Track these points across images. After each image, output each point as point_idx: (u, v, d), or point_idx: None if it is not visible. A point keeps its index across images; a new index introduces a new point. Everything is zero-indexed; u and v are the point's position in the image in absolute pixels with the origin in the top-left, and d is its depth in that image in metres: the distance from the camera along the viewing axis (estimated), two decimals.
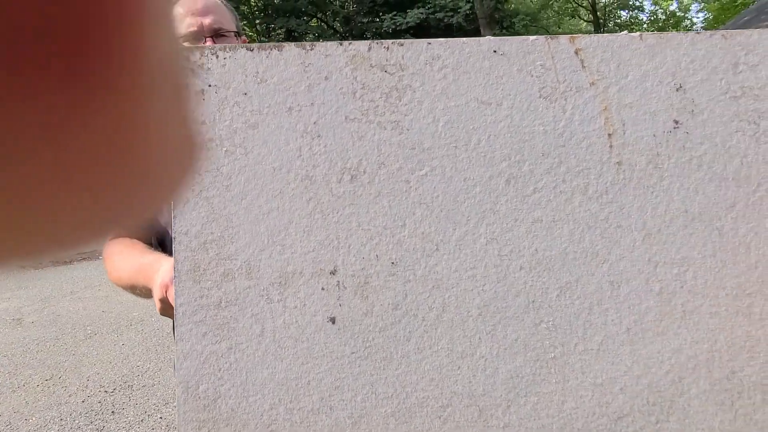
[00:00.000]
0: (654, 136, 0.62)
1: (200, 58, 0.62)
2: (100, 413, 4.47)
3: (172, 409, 4.59)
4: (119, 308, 7.20)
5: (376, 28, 22.75)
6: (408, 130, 0.62)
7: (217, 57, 0.62)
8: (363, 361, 0.62)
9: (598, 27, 28.01)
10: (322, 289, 0.62)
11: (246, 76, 0.62)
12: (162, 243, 1.68)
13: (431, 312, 0.62)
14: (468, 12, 20.01)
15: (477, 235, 0.62)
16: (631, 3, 30.60)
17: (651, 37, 0.62)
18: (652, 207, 0.62)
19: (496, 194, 0.62)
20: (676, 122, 0.62)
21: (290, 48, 0.63)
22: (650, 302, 0.62)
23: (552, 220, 0.62)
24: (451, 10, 20.08)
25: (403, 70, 0.62)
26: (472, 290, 0.62)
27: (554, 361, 0.62)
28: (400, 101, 0.62)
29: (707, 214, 0.62)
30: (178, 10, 1.48)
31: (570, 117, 0.62)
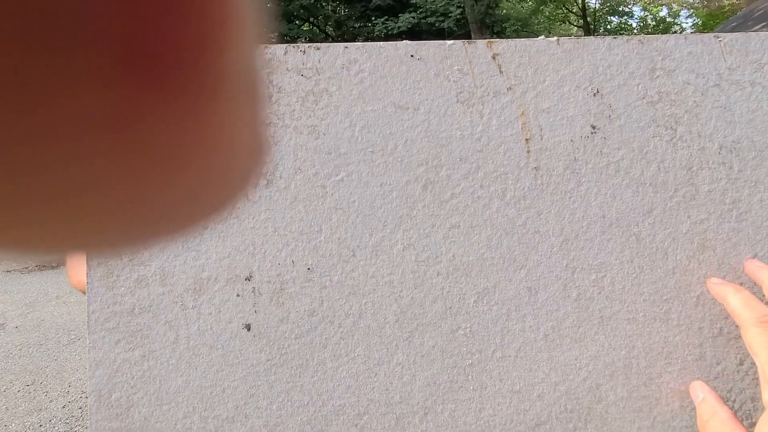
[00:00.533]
0: (571, 141, 0.62)
1: None
2: (81, 419, 4.43)
3: None
4: None
5: (368, 33, 22.78)
6: (324, 134, 0.62)
7: None
8: (279, 368, 0.62)
9: (589, 32, 28.17)
10: (237, 295, 0.62)
11: None
12: None
13: (348, 318, 0.62)
14: (459, 17, 20.10)
15: (394, 241, 0.62)
16: (620, 9, 30.82)
17: (568, 42, 0.62)
18: (570, 212, 0.62)
19: (413, 199, 0.62)
20: (594, 127, 0.62)
21: None
22: (568, 308, 0.62)
23: (470, 226, 0.62)
24: (443, 14, 20.15)
25: (319, 74, 0.62)
26: (389, 296, 0.62)
27: (472, 368, 0.62)
28: (317, 105, 0.62)
29: (625, 219, 0.61)
30: None
31: (487, 122, 0.62)
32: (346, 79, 0.62)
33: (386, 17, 21.25)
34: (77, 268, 1.57)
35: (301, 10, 22.53)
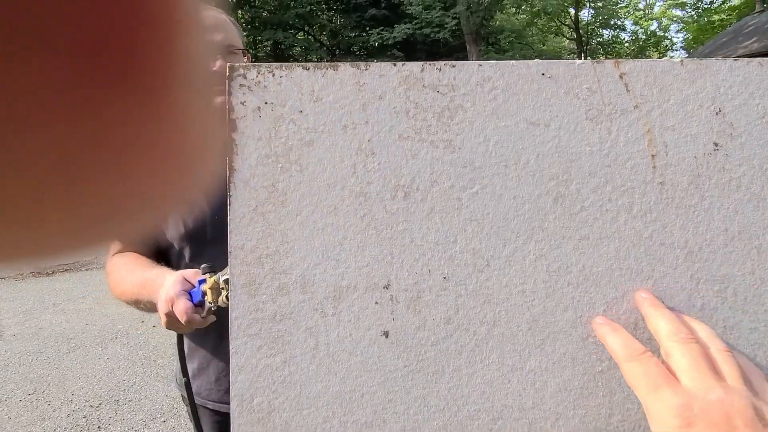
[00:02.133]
0: (695, 157, 0.65)
1: (257, 76, 0.64)
2: (86, 428, 4.38)
3: (160, 425, 4.51)
4: (103, 321, 7.07)
5: (363, 42, 22.93)
6: (460, 149, 0.64)
7: (273, 75, 0.64)
8: (416, 374, 0.64)
9: (581, 44, 28.59)
10: (376, 303, 0.64)
11: (302, 95, 0.64)
12: (166, 258, 1.67)
13: (482, 326, 0.64)
14: (454, 28, 20.31)
15: (526, 252, 0.64)
16: (612, 23, 31.30)
17: (691, 64, 0.65)
18: (694, 226, 0.64)
19: (545, 212, 0.64)
20: (716, 144, 0.65)
21: (345, 68, 0.64)
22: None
23: (598, 238, 0.64)
24: (438, 26, 20.36)
25: (454, 91, 0.64)
26: (521, 305, 0.64)
27: (601, 374, 0.64)
28: (452, 121, 0.64)
29: (746, 233, 0.64)
30: None
31: (615, 138, 0.65)
32: (480, 95, 0.64)
33: (381, 27, 21.42)
34: (118, 280, 1.57)
35: (297, 19, 22.64)
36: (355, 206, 0.64)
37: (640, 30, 33.52)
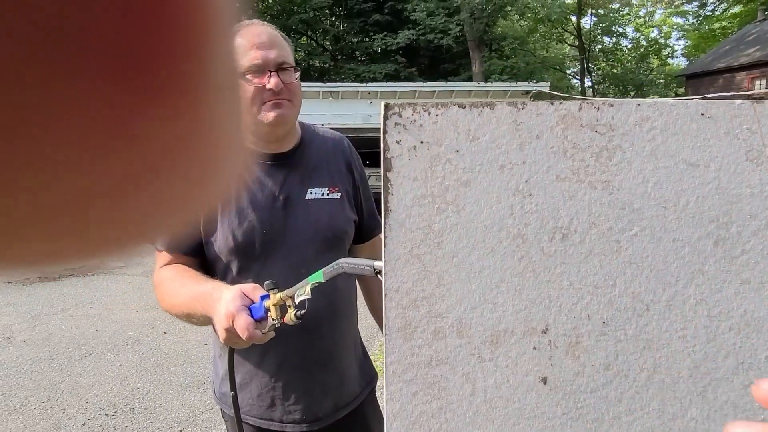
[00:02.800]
0: None
1: (412, 114, 0.62)
2: None
3: None
4: (113, 327, 7.04)
5: (366, 48, 22.97)
6: (618, 190, 0.63)
7: (429, 113, 0.62)
8: (574, 422, 0.62)
9: (583, 51, 28.69)
10: (534, 348, 0.62)
11: (458, 134, 0.62)
12: (212, 272, 1.65)
13: (642, 373, 0.62)
14: (458, 34, 20.36)
15: (686, 296, 0.63)
16: (614, 29, 31.42)
17: None
18: None
19: (705, 255, 0.63)
20: None
21: (502, 106, 0.63)
22: None
23: (760, 282, 0.63)
24: (441, 31, 20.40)
25: (612, 131, 0.63)
26: (682, 351, 0.63)
27: (765, 422, 0.63)
28: (610, 161, 0.63)
29: None
30: (240, 41, 1.47)
31: None
32: (638, 135, 0.63)
33: (385, 33, 21.46)
34: (169, 292, 1.55)
35: (300, 24, 22.68)
36: (513, 248, 0.62)
37: (642, 37, 33.68)
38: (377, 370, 1.87)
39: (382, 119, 0.62)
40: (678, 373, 0.62)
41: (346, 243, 1.66)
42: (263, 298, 1.21)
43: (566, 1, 28.59)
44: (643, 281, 0.63)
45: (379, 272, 1.05)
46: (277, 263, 1.52)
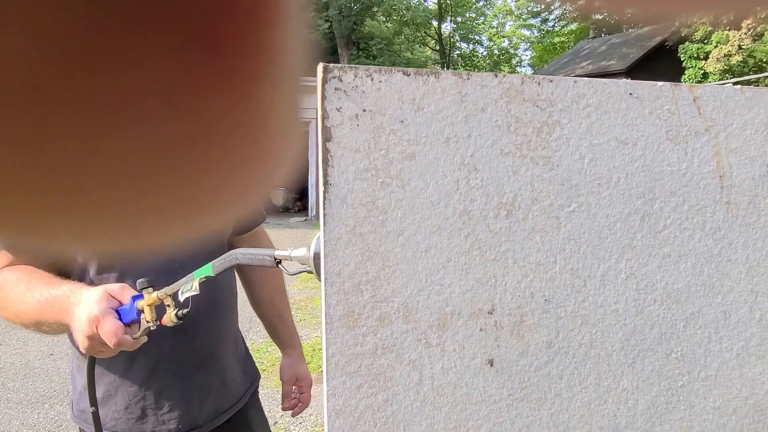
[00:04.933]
0: (753, 179, 0.69)
1: (354, 80, 0.56)
2: None
3: None
4: None
5: None
6: (557, 166, 0.62)
7: (372, 79, 0.57)
8: (519, 403, 0.60)
9: (444, 55, 30.15)
10: (480, 330, 0.59)
11: (402, 103, 0.58)
12: (65, 274, 1.45)
13: (580, 348, 0.63)
14: (326, 31, 20.30)
15: (618, 270, 0.64)
16: (471, 36, 33.42)
17: (749, 91, 0.70)
18: (753, 242, 0.69)
19: (633, 230, 0.65)
20: None
21: (447, 76, 0.59)
22: (753, 329, 0.69)
23: (678, 255, 0.66)
24: (310, 27, 20.10)
25: (552, 106, 0.62)
26: (614, 324, 0.64)
27: (682, 388, 0.66)
28: (550, 137, 0.62)
29: None
30: None
31: (690, 159, 0.67)
32: (575, 112, 0.63)
33: None
34: (12, 298, 1.33)
35: None
36: (459, 225, 0.59)
37: (494, 46, 36.29)
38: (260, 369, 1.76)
39: (320, 83, 0.55)
40: (611, 346, 0.64)
41: (224, 234, 1.54)
42: (135, 298, 1.07)
43: (429, 6, 29.82)
44: (581, 257, 0.63)
45: (280, 261, 0.97)
46: (144, 259, 1.36)
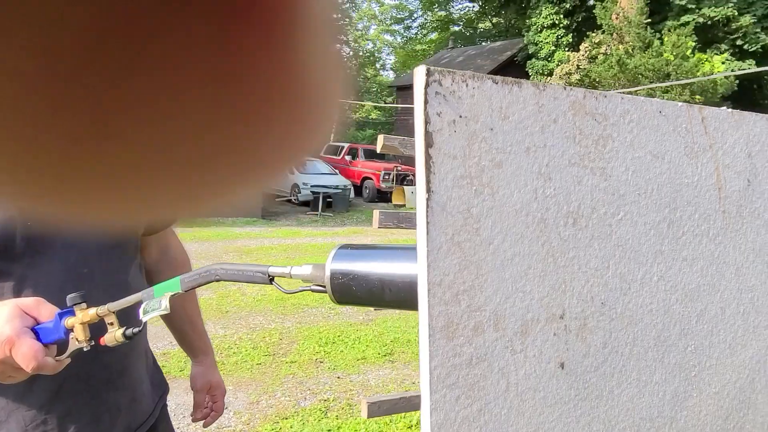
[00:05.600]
0: (739, 191, 0.80)
1: (452, 84, 0.55)
2: None
3: None
4: None
5: None
6: (610, 176, 0.66)
7: (467, 85, 0.56)
8: (582, 402, 0.63)
9: None
10: (554, 334, 0.61)
11: (492, 111, 0.58)
12: None
13: (626, 347, 0.67)
14: None
15: (652, 274, 0.70)
16: (340, 37, 33.50)
17: (737, 114, 0.80)
18: (740, 246, 0.79)
19: (662, 236, 0.71)
20: (749, 181, 0.81)
21: (527, 86, 0.60)
22: (739, 322, 0.79)
23: (692, 258, 0.74)
24: None
25: (606, 120, 0.66)
26: (649, 324, 0.70)
27: (695, 378, 0.74)
28: (605, 149, 0.66)
29: (763, 251, 0.82)
30: None
31: (700, 173, 0.75)
32: (623, 126, 0.68)
33: None
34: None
35: None
36: (537, 233, 0.60)
37: (359, 48, 36.95)
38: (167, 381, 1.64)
39: (421, 86, 0.53)
40: (647, 343, 0.69)
41: (137, 236, 1.39)
42: (63, 315, 0.93)
43: None
44: (626, 262, 0.68)
45: (273, 279, 0.91)
46: (49, 264, 1.18)
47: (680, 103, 0.74)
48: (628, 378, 0.68)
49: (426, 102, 0.53)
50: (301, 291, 0.83)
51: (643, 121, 0.70)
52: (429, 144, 0.53)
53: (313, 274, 0.79)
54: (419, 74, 0.53)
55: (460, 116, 0.55)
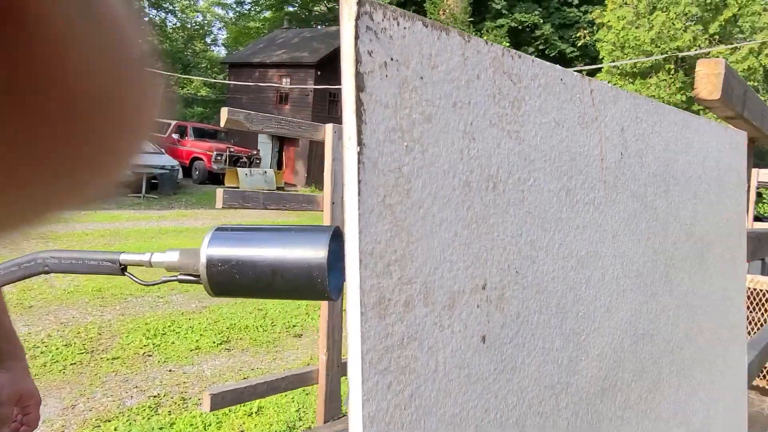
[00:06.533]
0: (615, 162, 0.84)
1: (382, 20, 0.47)
2: None
3: None
4: None
5: None
6: (522, 141, 0.64)
7: (398, 24, 0.49)
8: (500, 375, 0.61)
9: None
10: (477, 306, 0.57)
11: (422, 57, 0.51)
12: None
13: (534, 316, 0.66)
14: None
15: (554, 241, 0.70)
16: (163, 5, 30.87)
17: (613, 89, 0.84)
18: (615, 214, 0.84)
19: (561, 203, 0.71)
20: (621, 154, 0.85)
21: (454, 35, 0.55)
22: (613, 286, 0.84)
23: (583, 226, 0.76)
24: None
25: (520, 81, 0.64)
26: (552, 291, 0.69)
27: (584, 341, 0.76)
28: (519, 111, 0.63)
29: (632, 219, 0.88)
30: None
31: (589, 143, 0.77)
32: (533, 90, 0.66)
33: None
34: None
35: None
36: (462, 197, 0.55)
37: (188, 19, 34.28)
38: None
39: (351, 18, 0.44)
40: (550, 311, 0.69)
41: None
42: None
43: None
44: (535, 229, 0.66)
45: (125, 268, 0.74)
46: None
47: (576, 73, 0.75)
48: (536, 347, 0.67)
49: (357, 37, 0.44)
50: (165, 282, 0.69)
51: (549, 87, 0.68)
52: (360, 87, 0.44)
53: (181, 261, 0.66)
54: (348, 2, 0.44)
55: (392, 59, 0.47)
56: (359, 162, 0.44)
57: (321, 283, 0.60)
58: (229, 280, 0.61)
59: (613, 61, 12.63)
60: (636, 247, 0.90)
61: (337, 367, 2.92)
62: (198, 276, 0.63)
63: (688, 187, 1.07)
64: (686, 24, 11.77)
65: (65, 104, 0.14)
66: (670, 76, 11.67)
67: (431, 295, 0.52)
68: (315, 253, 0.60)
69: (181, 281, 0.67)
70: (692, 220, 1.09)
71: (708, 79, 1.33)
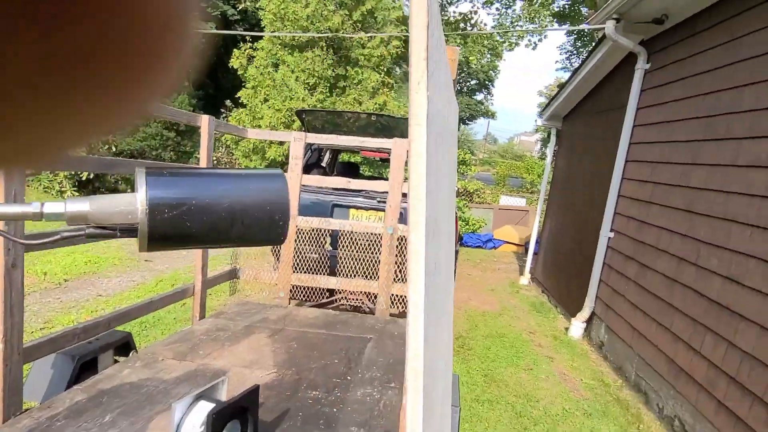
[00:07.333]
0: None
1: None
2: None
3: None
4: None
5: None
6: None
7: None
8: None
9: None
10: None
11: None
12: None
13: None
14: None
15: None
16: None
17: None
18: None
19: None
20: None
21: None
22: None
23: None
24: None
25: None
26: None
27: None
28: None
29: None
30: None
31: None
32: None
33: None
34: None
35: None
36: None
37: None
38: None
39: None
40: None
41: None
42: None
43: None
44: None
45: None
46: None
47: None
48: None
49: None
50: (62, 239, 0.49)
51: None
52: None
53: (104, 210, 0.49)
54: None
55: None
56: None
57: (282, 226, 0.53)
58: (177, 228, 0.48)
59: (274, 31, 13.11)
60: None
61: (18, 355, 2.35)
62: (132, 225, 0.47)
63: None
64: (335, 9, 13.02)
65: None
66: (323, 52, 12.82)
67: None
68: (278, 195, 0.52)
69: (92, 236, 0.49)
70: None
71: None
